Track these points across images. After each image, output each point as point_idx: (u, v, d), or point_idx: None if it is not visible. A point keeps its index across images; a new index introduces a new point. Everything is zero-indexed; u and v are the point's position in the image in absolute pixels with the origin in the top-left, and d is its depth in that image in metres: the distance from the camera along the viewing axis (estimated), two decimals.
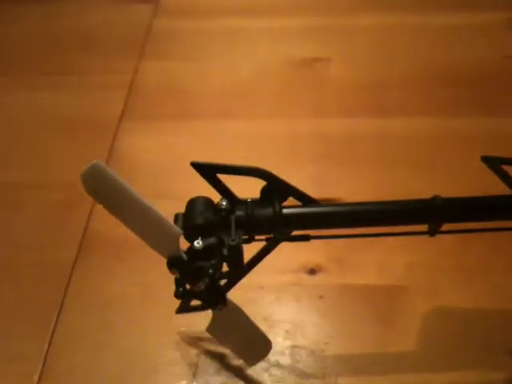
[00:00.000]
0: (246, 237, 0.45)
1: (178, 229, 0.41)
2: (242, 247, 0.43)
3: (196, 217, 0.44)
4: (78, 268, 0.64)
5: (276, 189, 0.45)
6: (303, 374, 0.54)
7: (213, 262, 0.41)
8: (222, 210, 0.44)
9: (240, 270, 0.44)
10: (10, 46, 0.94)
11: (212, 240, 0.42)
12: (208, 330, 0.45)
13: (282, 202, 0.46)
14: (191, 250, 0.42)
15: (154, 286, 0.62)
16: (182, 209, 0.72)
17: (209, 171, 0.45)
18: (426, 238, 0.64)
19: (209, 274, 0.41)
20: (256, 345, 0.49)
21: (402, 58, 0.89)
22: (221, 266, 0.42)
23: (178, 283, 0.42)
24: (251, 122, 0.82)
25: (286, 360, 0.55)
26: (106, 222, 0.69)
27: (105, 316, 0.59)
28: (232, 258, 0.43)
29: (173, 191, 0.73)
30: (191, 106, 0.84)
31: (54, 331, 0.58)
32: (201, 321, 0.50)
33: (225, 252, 0.43)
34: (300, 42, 0.94)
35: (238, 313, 0.45)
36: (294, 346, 0.56)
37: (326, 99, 0.84)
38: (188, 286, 0.42)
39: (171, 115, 0.83)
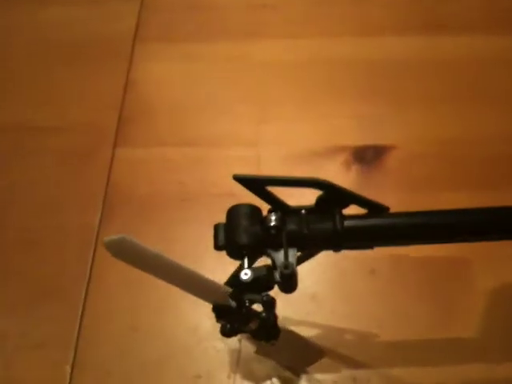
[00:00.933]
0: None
1: (226, 288, 0.34)
2: (296, 272, 0.36)
3: (240, 235, 0.37)
4: (103, 233, 0.58)
5: (336, 197, 0.37)
6: (353, 363, 0.50)
7: (265, 298, 0.35)
8: (272, 227, 0.37)
9: (293, 290, 0.38)
10: None
11: (262, 271, 0.36)
12: (257, 352, 0.40)
13: (343, 209, 0.38)
14: (238, 281, 0.35)
15: (188, 252, 0.56)
16: (211, 159, 0.65)
17: (256, 185, 0.37)
18: (490, 196, 0.58)
19: (261, 317, 0.35)
20: (307, 354, 0.44)
21: None
22: (274, 303, 0.36)
23: None
24: (283, 42, 0.70)
25: (334, 347, 0.50)
26: (128, 174, 0.63)
27: (136, 291, 0.54)
28: (285, 284, 0.37)
29: (199, 135, 0.65)
30: (213, 23, 0.72)
31: (83, 311, 0.53)
32: None
33: (277, 277, 0.36)
34: None
35: (290, 335, 0.40)
36: (342, 331, 0.51)
37: (372, 12, 0.71)
38: None
39: (190, 34, 0.71)
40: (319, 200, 0.38)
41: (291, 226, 0.37)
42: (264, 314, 0.35)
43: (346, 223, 0.38)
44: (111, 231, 0.58)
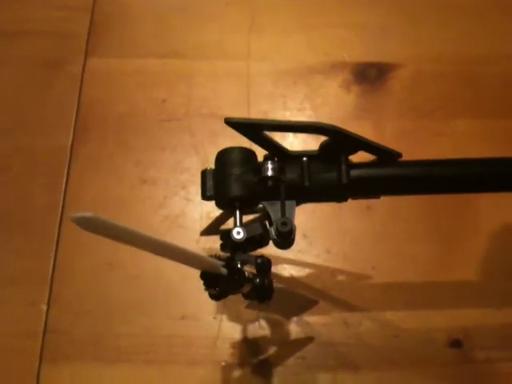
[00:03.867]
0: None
1: (214, 261, 0.29)
2: (295, 227, 0.32)
3: (232, 185, 0.32)
4: (76, 156, 0.52)
5: (343, 143, 0.32)
6: (345, 306, 0.47)
7: (259, 261, 0.31)
8: (269, 177, 0.32)
9: (290, 247, 0.34)
10: None
11: (257, 230, 0.31)
12: (248, 307, 0.36)
13: (349, 155, 0.33)
14: (230, 240, 0.31)
15: (169, 180, 0.52)
16: (197, 73, 0.58)
17: (252, 130, 0.31)
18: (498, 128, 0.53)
19: (255, 283, 0.31)
20: (298, 304, 0.41)
21: None
22: (269, 266, 0.32)
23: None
24: None
25: (326, 289, 0.47)
26: (103, 89, 0.56)
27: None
28: (282, 242, 0.32)
29: (183, 44, 0.58)
30: None
31: (57, 244, 0.49)
32: None
33: (273, 234, 0.32)
34: None
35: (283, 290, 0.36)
36: (336, 272, 0.48)
37: None
38: None
39: None
40: (323, 146, 0.33)
41: (291, 176, 0.32)
42: (258, 280, 0.30)
43: (353, 173, 0.33)
44: (84, 155, 0.53)
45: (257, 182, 0.32)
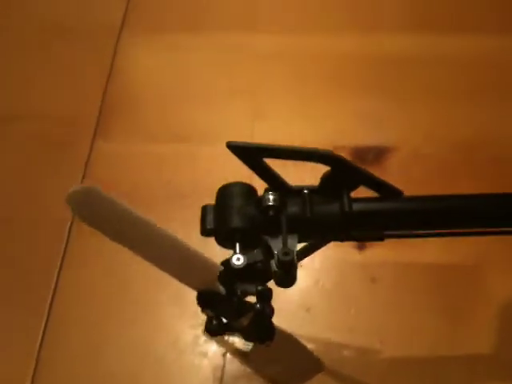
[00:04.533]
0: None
1: (215, 263, 0.29)
2: (296, 261, 0.31)
3: (232, 217, 0.31)
4: (79, 232, 0.52)
5: (344, 176, 0.32)
6: (352, 383, 0.44)
7: (259, 288, 0.29)
8: (269, 207, 0.31)
9: (292, 284, 0.33)
10: None
11: (257, 256, 0.30)
12: (247, 364, 0.34)
13: (351, 190, 0.33)
14: (229, 268, 0.30)
15: None
16: (202, 156, 0.60)
17: (252, 155, 0.31)
18: None
19: (256, 309, 0.29)
20: (303, 367, 0.39)
21: None
22: (270, 295, 0.30)
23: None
24: (281, 36, 0.66)
25: (333, 365, 0.44)
26: (108, 169, 0.57)
27: (110, 299, 0.48)
28: (283, 275, 0.31)
29: (190, 131, 0.60)
30: (206, 12, 0.68)
31: (48, 318, 0.47)
32: None
33: (274, 266, 0.31)
34: None
35: (284, 337, 0.34)
36: (342, 346, 0.45)
37: (377, 7, 0.67)
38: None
39: (181, 23, 0.67)
40: (324, 179, 0.33)
41: (292, 209, 0.32)
42: (258, 306, 0.29)
43: (355, 206, 0.32)
44: (87, 232, 0.52)
45: (258, 214, 0.32)
